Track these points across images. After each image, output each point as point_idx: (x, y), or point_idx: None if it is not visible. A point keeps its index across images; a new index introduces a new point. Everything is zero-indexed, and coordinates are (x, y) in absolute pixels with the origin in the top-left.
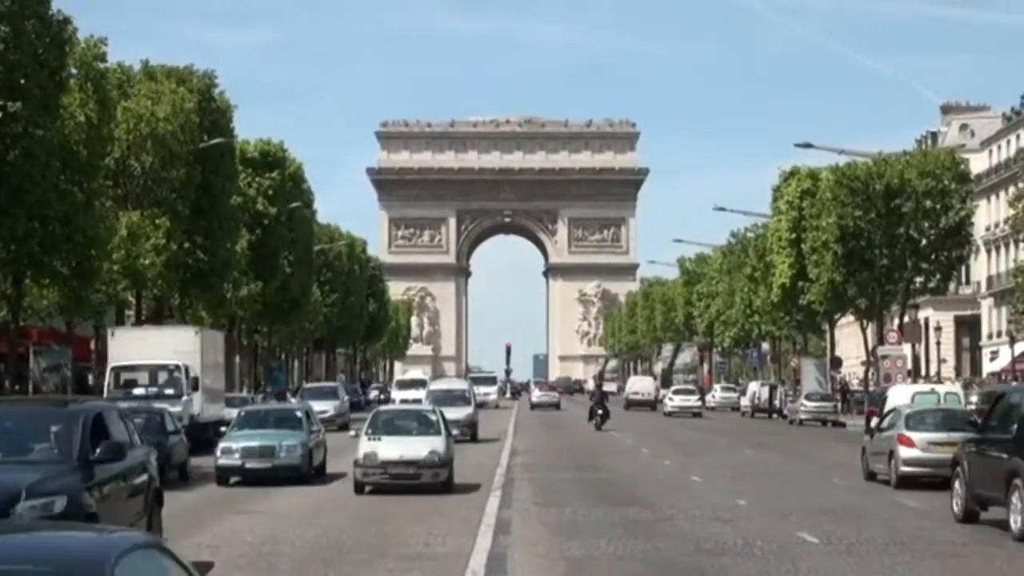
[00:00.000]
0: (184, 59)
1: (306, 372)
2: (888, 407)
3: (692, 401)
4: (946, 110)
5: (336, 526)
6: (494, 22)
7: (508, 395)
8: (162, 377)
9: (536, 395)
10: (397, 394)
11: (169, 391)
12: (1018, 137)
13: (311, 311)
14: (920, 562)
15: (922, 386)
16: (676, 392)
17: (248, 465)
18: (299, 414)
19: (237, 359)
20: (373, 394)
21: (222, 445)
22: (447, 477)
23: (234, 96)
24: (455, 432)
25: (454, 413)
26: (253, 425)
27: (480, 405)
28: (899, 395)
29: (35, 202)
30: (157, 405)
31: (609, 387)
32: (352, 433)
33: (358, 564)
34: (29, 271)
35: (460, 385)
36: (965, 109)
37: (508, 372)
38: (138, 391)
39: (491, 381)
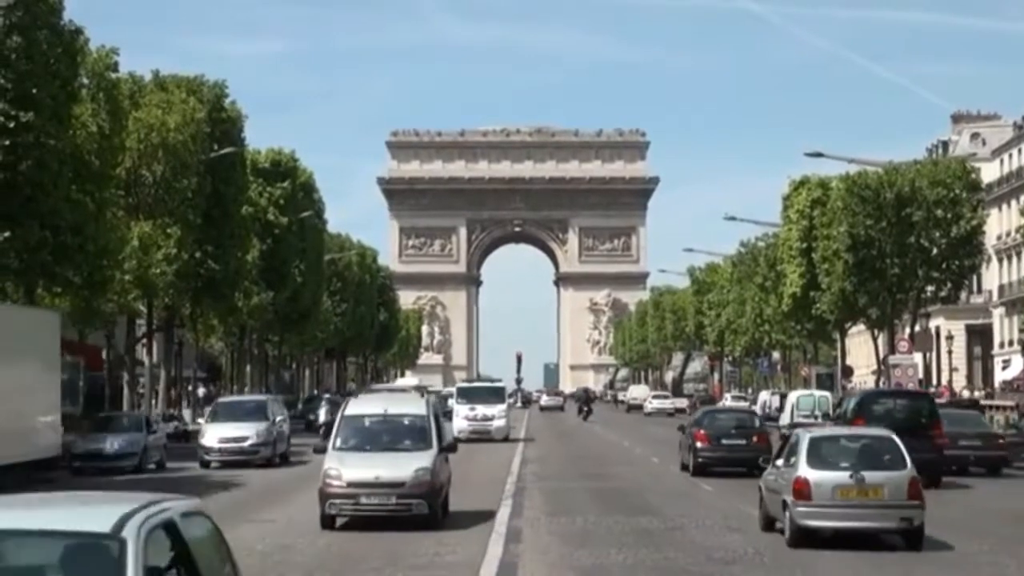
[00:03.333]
0: (195, 69)
1: (317, 381)
2: (787, 406)
3: (667, 404)
4: (957, 119)
5: None
6: (504, 32)
7: (519, 404)
8: None
9: (544, 400)
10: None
11: None
12: None
13: (322, 320)
14: (934, 570)
15: (804, 391)
16: (655, 397)
17: None
18: None
19: (248, 368)
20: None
21: None
22: None
23: (245, 106)
24: (388, 507)
25: (392, 470)
26: None
27: (455, 444)
28: (792, 398)
29: (47, 212)
30: None
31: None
32: None
33: (368, 572)
34: (41, 280)
35: (411, 408)
36: (976, 118)
37: (519, 381)
38: None
39: (496, 395)
